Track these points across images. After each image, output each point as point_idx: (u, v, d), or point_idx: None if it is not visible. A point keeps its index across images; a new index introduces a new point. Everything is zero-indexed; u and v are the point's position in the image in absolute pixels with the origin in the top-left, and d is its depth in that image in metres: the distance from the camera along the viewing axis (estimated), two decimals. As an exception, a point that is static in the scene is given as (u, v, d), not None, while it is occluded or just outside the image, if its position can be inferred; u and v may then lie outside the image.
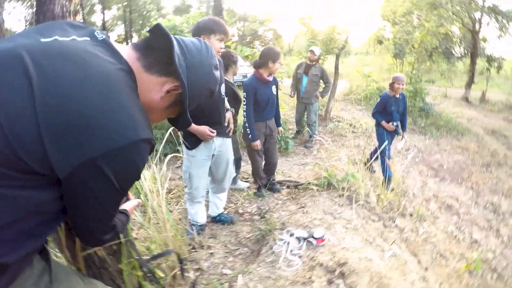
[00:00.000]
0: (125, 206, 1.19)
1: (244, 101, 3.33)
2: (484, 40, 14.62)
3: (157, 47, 0.91)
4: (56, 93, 0.71)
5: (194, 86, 0.93)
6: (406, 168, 5.41)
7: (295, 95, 6.32)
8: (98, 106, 0.73)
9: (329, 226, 2.76)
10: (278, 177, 4.11)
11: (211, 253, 2.58)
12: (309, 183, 3.77)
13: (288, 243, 2.44)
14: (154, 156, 2.45)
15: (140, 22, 27.37)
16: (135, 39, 28.70)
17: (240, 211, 3.37)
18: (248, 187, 3.93)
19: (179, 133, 2.79)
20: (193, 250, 2.56)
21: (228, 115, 2.77)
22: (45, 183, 0.75)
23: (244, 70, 9.93)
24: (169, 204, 3.32)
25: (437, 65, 15.09)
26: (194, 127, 2.46)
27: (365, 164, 4.53)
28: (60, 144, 0.70)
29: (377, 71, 14.34)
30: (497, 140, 8.77)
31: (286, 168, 4.85)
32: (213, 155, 2.69)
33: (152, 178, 2.33)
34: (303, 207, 3.22)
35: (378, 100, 4.70)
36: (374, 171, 4.85)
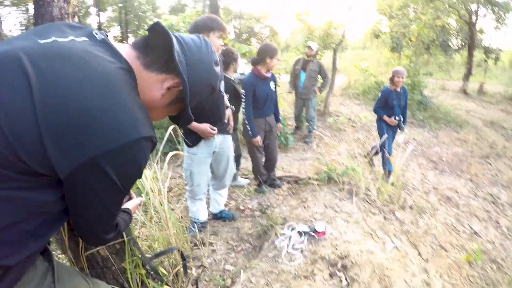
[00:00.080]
0: (128, 205, 1.19)
1: (243, 98, 3.34)
2: (481, 31, 14.58)
3: (157, 45, 0.90)
4: (55, 93, 0.71)
5: (195, 83, 0.92)
6: (405, 161, 5.42)
7: (293, 91, 6.32)
8: (98, 105, 0.73)
9: (330, 220, 2.77)
10: (278, 173, 4.12)
11: (213, 250, 2.60)
12: (309, 178, 3.79)
13: (290, 237, 2.46)
14: (155, 155, 2.45)
15: (136, 23, 27.28)
16: (131, 40, 28.56)
17: (241, 207, 3.39)
18: (249, 184, 3.94)
19: (178, 132, 2.79)
20: (195, 247, 2.58)
21: (228, 112, 2.77)
22: (46, 184, 0.75)
23: (241, 68, 9.85)
24: (170, 202, 3.33)
25: (435, 57, 15.07)
26: (195, 125, 2.47)
27: (366, 157, 4.54)
28: (60, 144, 0.70)
29: (374, 65, 14.32)
30: (495, 131, 8.78)
31: (286, 164, 4.87)
32: (214, 152, 2.70)
33: (154, 176, 2.34)
34: (304, 201, 3.23)
35: (379, 95, 4.66)
36: (374, 165, 4.86)
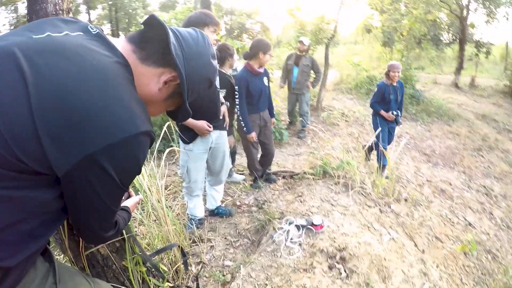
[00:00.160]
0: (127, 203, 1.18)
1: (236, 94, 3.33)
2: (472, 26, 14.69)
3: (152, 38, 0.89)
4: (51, 89, 0.69)
5: (192, 76, 0.91)
6: (399, 154, 5.46)
7: (286, 86, 6.33)
8: (94, 101, 0.71)
9: (327, 213, 2.79)
10: (273, 168, 4.13)
11: (212, 246, 2.60)
12: (304, 172, 3.80)
13: (288, 231, 2.47)
14: (151, 152, 2.44)
15: (126, 20, 26.99)
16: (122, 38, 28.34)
17: (238, 203, 3.39)
18: (244, 180, 3.94)
19: (173, 129, 2.78)
20: (193, 244, 2.57)
21: (223, 108, 2.77)
22: (45, 183, 0.73)
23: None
24: (167, 200, 3.32)
25: (426, 52, 15.13)
26: (192, 122, 2.46)
27: (363, 148, 4.55)
28: (57, 141, 0.68)
29: (366, 60, 14.37)
30: (487, 124, 8.89)
31: (281, 159, 4.88)
32: (210, 148, 2.69)
33: (150, 174, 2.33)
34: (300, 196, 3.25)
35: (376, 90, 4.59)
36: (370, 160, 4.89)
